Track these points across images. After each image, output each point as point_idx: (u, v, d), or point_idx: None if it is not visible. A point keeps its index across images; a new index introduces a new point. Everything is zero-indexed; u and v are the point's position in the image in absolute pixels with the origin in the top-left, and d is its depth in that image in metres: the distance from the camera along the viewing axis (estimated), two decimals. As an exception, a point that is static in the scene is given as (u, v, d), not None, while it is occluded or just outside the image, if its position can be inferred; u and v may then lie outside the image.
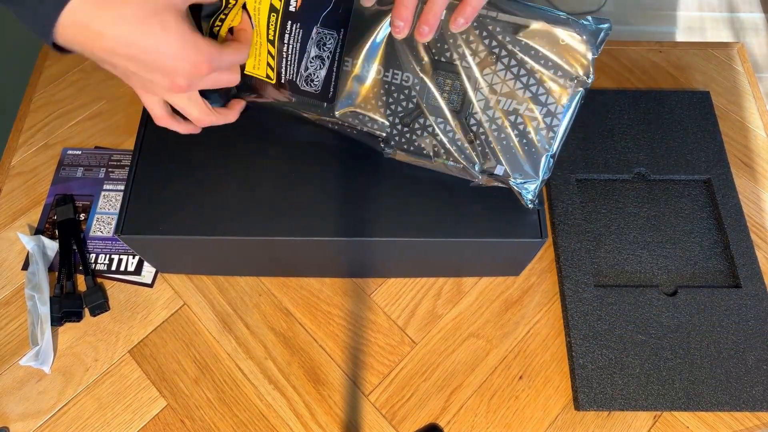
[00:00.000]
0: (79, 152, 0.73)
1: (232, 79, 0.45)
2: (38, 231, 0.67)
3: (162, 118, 0.48)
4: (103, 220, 0.68)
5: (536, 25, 0.45)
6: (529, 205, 0.53)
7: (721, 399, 0.58)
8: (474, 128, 0.50)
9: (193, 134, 0.51)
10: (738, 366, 0.59)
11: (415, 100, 0.50)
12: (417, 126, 0.52)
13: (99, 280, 0.65)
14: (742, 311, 0.62)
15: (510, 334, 0.63)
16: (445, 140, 0.51)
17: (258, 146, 0.58)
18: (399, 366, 0.61)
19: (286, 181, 0.56)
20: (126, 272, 0.65)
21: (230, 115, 0.52)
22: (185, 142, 0.55)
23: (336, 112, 0.52)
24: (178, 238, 0.54)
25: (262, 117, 0.57)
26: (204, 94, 0.47)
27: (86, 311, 0.63)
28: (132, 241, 0.55)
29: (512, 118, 0.49)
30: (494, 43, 0.47)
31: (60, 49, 0.37)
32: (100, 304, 0.63)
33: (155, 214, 0.54)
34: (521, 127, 0.49)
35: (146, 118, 0.60)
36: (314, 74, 0.50)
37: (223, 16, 0.46)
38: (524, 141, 0.50)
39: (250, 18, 0.46)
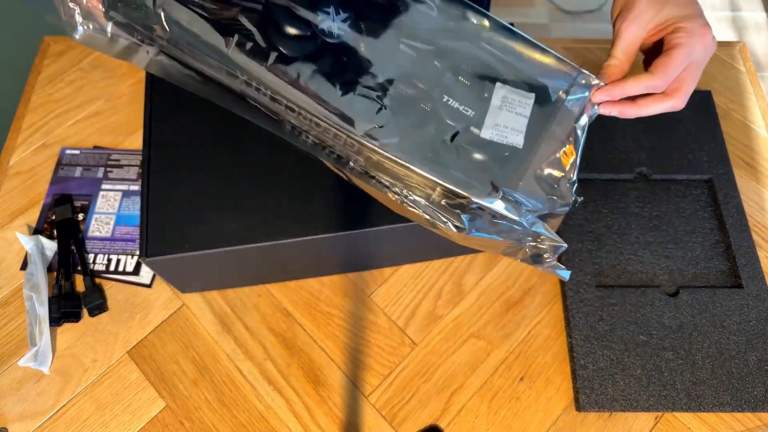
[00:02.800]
0: (78, 152, 0.72)
1: None
2: (37, 231, 0.67)
3: None
4: (102, 220, 0.68)
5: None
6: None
7: (723, 400, 0.58)
8: None
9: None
10: (740, 366, 0.59)
11: None
12: None
13: (97, 280, 0.65)
14: (744, 311, 0.61)
15: (511, 334, 0.62)
16: None
17: (270, 147, 0.57)
18: (399, 367, 0.61)
19: (310, 170, 0.55)
20: (124, 272, 0.65)
21: None
22: (190, 150, 0.54)
23: None
24: (207, 252, 0.53)
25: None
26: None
27: (85, 311, 0.63)
28: (158, 263, 0.54)
29: None
30: None
31: None
32: (98, 304, 0.63)
33: (176, 232, 0.53)
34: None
35: (149, 136, 0.58)
36: None
37: None
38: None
39: None
